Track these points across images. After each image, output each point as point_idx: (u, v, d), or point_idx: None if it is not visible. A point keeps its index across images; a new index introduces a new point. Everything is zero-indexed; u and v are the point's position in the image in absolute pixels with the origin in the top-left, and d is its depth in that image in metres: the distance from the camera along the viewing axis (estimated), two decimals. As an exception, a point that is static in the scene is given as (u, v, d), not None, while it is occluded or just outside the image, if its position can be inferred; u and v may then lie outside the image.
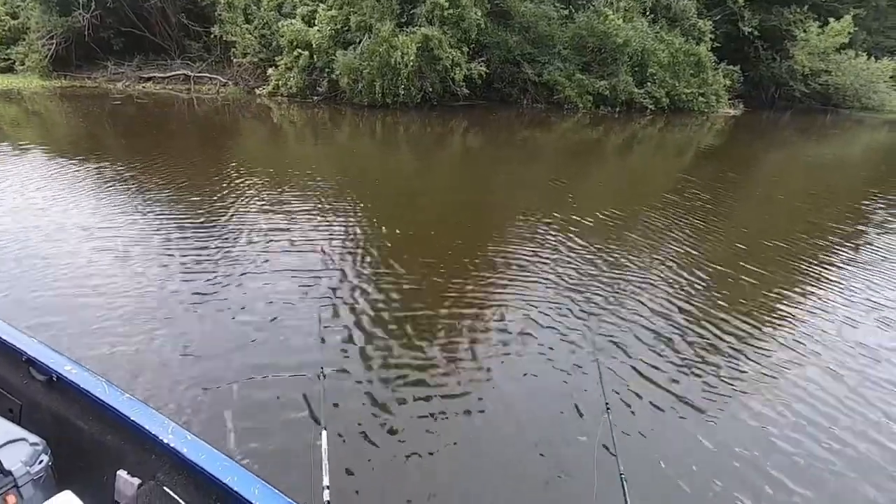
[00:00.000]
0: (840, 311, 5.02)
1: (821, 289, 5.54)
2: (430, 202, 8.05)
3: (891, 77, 22.56)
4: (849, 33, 20.49)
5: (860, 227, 7.80)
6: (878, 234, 7.56)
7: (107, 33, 18.60)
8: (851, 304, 5.17)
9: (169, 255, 5.31)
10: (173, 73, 18.64)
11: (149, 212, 6.47)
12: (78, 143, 10.64)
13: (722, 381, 3.82)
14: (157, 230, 5.92)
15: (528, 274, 5.34)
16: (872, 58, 22.20)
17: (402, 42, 14.51)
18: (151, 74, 18.73)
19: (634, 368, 3.89)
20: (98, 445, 1.85)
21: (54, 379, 1.95)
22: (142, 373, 3.52)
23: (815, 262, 6.21)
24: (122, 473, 1.70)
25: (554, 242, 6.21)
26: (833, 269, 6.12)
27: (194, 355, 3.74)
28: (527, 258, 5.73)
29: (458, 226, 6.89)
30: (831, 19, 20.60)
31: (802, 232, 7.29)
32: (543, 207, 7.54)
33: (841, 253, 6.64)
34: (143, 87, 18.18)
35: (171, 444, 1.64)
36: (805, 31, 20.85)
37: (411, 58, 14.45)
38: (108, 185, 7.50)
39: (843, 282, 5.74)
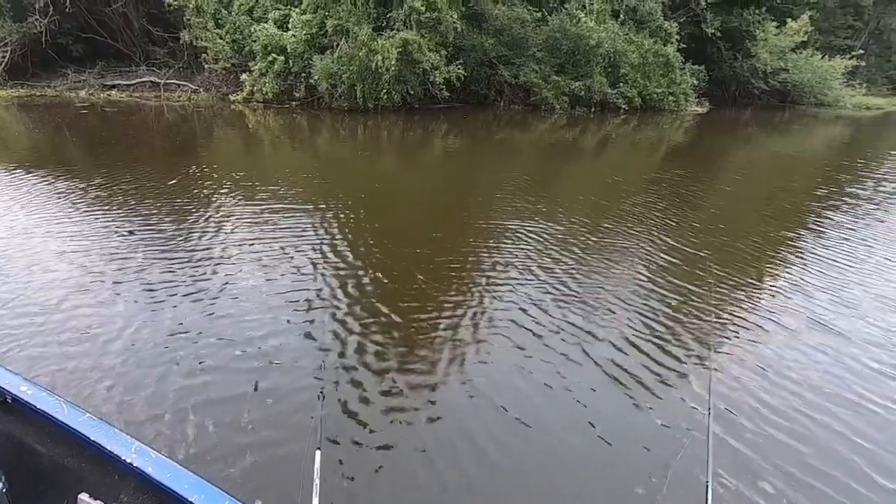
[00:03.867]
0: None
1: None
2: (431, 206, 8.01)
3: (842, 74, 23.87)
4: (805, 32, 21.60)
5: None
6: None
7: (65, 39, 17.83)
8: None
9: (149, 270, 5.06)
10: (139, 79, 18.01)
11: (125, 230, 6.19)
12: (47, 155, 10.09)
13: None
14: (136, 249, 5.61)
15: (529, 279, 5.39)
16: (826, 56, 23.45)
17: (383, 46, 14.42)
18: (115, 82, 18.03)
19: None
20: (57, 468, 1.76)
21: (8, 401, 1.87)
22: (136, 391, 3.38)
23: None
24: (83, 497, 1.62)
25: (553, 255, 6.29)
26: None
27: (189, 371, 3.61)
28: (527, 264, 5.78)
29: (461, 233, 6.89)
30: (788, 20, 21.70)
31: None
32: (545, 209, 7.63)
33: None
34: (108, 95, 17.46)
35: (135, 464, 1.59)
36: (764, 30, 21.87)
37: (392, 62, 14.37)
38: (77, 198, 7.12)
39: None
